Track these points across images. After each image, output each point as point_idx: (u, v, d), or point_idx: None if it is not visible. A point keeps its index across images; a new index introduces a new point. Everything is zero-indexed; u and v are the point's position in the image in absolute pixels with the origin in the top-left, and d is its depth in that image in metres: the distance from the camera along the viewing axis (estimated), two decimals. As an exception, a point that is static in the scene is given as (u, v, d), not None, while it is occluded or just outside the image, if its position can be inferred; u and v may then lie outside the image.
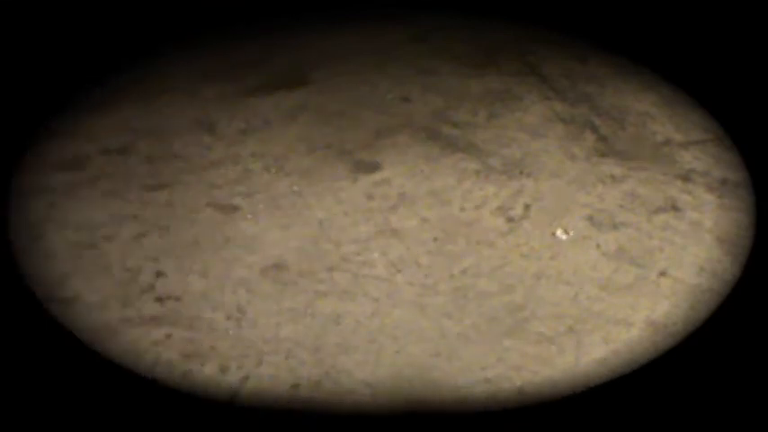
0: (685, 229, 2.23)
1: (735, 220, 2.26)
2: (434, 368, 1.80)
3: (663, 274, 2.07)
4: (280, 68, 3.20)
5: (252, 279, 2.07)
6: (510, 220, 2.28)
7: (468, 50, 3.33)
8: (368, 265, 2.12)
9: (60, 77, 3.03)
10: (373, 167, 2.53)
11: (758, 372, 1.74)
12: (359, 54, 3.30)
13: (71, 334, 1.88)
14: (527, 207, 2.33)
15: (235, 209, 2.34)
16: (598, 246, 2.17)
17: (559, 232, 2.22)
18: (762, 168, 2.44)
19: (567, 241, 2.19)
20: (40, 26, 3.23)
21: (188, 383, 1.76)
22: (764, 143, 2.51)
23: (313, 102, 2.94)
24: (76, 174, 2.51)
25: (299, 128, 2.77)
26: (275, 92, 3.00)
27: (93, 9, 3.39)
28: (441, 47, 3.37)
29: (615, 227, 2.24)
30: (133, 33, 3.42)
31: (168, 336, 1.89)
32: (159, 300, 2.00)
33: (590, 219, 2.28)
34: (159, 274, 2.09)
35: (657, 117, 2.80)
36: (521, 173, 2.49)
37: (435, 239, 2.21)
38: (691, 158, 2.55)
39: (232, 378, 1.78)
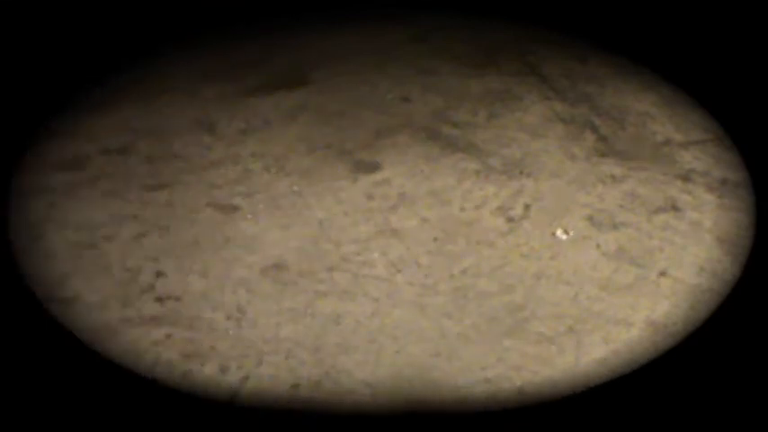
0: (685, 229, 2.23)
1: (735, 220, 2.26)
2: (434, 368, 1.80)
3: (663, 274, 2.07)
4: (280, 68, 3.20)
5: (252, 279, 2.07)
6: (510, 220, 2.28)
7: (468, 50, 3.33)
8: (368, 265, 2.12)
9: (60, 77, 3.03)
10: (373, 167, 2.53)
11: (758, 372, 1.74)
12: (359, 54, 3.30)
13: (71, 334, 1.88)
14: (527, 207, 2.33)
15: (235, 209, 2.34)
16: (598, 246, 2.17)
17: (559, 232, 2.22)
18: (762, 168, 2.44)
19: (567, 241, 2.19)
20: (40, 26, 3.23)
21: (188, 383, 1.76)
22: (764, 143, 2.51)
23: (313, 102, 2.94)
24: (76, 174, 2.51)
25: (299, 128, 2.77)
26: (275, 92, 3.00)
27: (93, 9, 3.39)
28: (441, 47, 3.37)
29: (615, 227, 2.24)
30: (133, 33, 3.42)
31: (168, 336, 1.89)
32: (159, 300, 2.00)
33: (590, 219, 2.28)
34: (159, 274, 2.09)
35: (657, 117, 2.80)
36: (521, 173, 2.49)
37: (435, 239, 2.21)
38: (691, 158, 2.55)
39: (232, 378, 1.78)
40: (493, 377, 1.77)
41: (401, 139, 2.68)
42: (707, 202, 2.34)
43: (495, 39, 3.44)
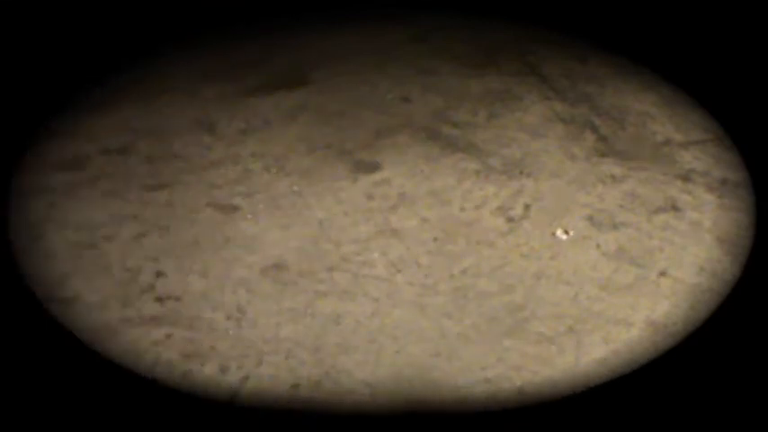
0: (685, 229, 2.23)
1: (735, 220, 2.26)
2: (434, 368, 1.80)
3: (663, 274, 2.07)
4: (280, 68, 3.20)
5: (252, 279, 2.07)
6: (510, 220, 2.28)
7: (468, 50, 3.33)
8: (368, 265, 2.12)
9: (60, 77, 3.03)
10: (373, 167, 2.53)
11: (758, 372, 1.74)
12: (359, 54, 3.30)
13: (71, 334, 1.88)
14: (527, 207, 2.33)
15: (235, 209, 2.34)
16: (598, 246, 2.17)
17: (559, 232, 2.22)
18: (762, 168, 2.44)
19: (567, 241, 2.19)
20: (41, 26, 3.23)
21: (188, 383, 1.76)
22: (764, 143, 2.51)
23: (313, 102, 2.94)
24: (76, 174, 2.51)
25: (299, 128, 2.77)
26: (275, 92, 3.00)
27: (93, 9, 3.39)
28: (441, 47, 3.37)
29: (615, 227, 2.24)
30: (133, 33, 3.42)
31: (168, 336, 1.89)
32: (159, 300, 2.00)
33: (590, 219, 2.28)
34: (159, 274, 2.09)
35: (657, 117, 2.80)
36: (521, 173, 2.49)
37: (435, 239, 2.21)
38: (691, 158, 2.55)
39: (232, 378, 1.78)
40: (493, 377, 1.77)
41: (401, 139, 2.68)
42: (707, 202, 2.34)
43: (495, 39, 3.44)
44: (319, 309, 1.97)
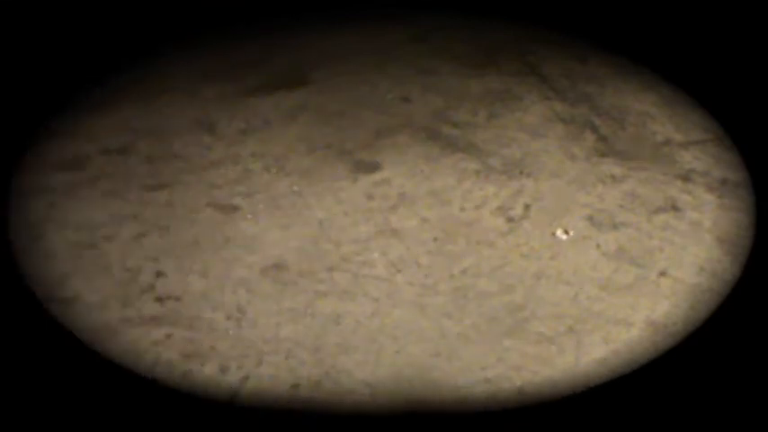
0: (685, 229, 2.23)
1: (735, 220, 2.26)
2: (434, 368, 1.80)
3: (663, 274, 2.07)
4: (280, 68, 3.20)
5: (252, 279, 2.07)
6: (510, 220, 2.28)
7: (468, 50, 3.33)
8: (368, 265, 2.12)
9: (60, 77, 3.03)
10: (373, 167, 2.53)
11: (758, 372, 1.74)
12: (359, 54, 3.30)
13: (71, 334, 1.88)
14: (527, 207, 2.33)
15: (235, 209, 2.34)
16: (598, 246, 2.17)
17: (559, 232, 2.22)
18: (762, 168, 2.44)
19: (567, 241, 2.19)
20: (41, 26, 3.23)
21: (188, 383, 1.76)
22: (764, 143, 2.51)
23: (313, 102, 2.94)
24: (76, 174, 2.51)
25: (299, 128, 2.77)
26: (275, 92, 3.00)
27: (93, 9, 3.39)
28: (441, 47, 3.37)
29: (615, 227, 2.24)
30: (133, 33, 3.42)
31: (168, 336, 1.89)
32: (159, 300, 2.00)
33: (590, 219, 2.28)
34: (159, 274, 2.09)
35: (657, 117, 2.80)
36: (521, 173, 2.49)
37: (435, 239, 2.21)
38: (691, 158, 2.55)
39: (232, 378, 1.78)
40: (493, 377, 1.77)
41: (401, 139, 2.68)
42: (707, 202, 2.34)
43: (495, 39, 3.44)
44: (319, 309, 1.97)
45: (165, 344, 1.86)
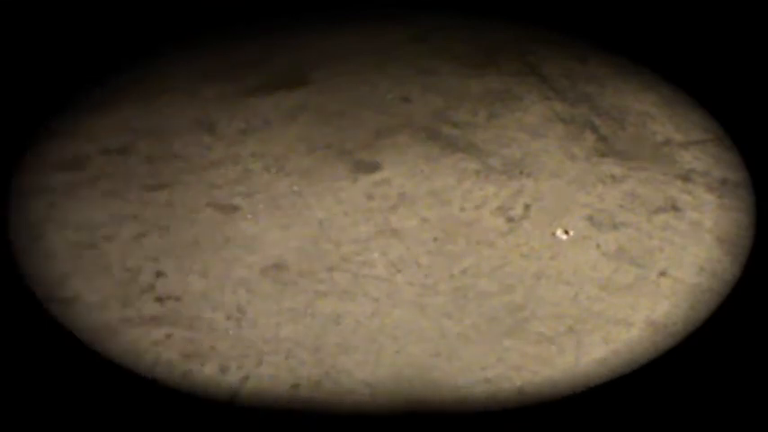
0: (685, 229, 2.23)
1: (735, 220, 2.26)
2: (434, 368, 1.80)
3: (663, 274, 2.07)
4: (280, 68, 3.20)
5: (252, 279, 2.07)
6: (510, 220, 2.28)
7: (468, 50, 3.33)
8: (368, 265, 2.12)
9: (60, 77, 3.03)
10: (373, 167, 2.53)
11: (758, 372, 1.74)
12: (359, 54, 3.30)
13: (71, 334, 1.88)
14: (527, 207, 2.33)
15: (235, 209, 2.34)
16: (598, 246, 2.17)
17: (559, 232, 2.22)
18: (762, 168, 2.44)
19: (567, 241, 2.19)
20: (41, 26, 3.23)
21: (188, 383, 1.76)
22: (764, 143, 2.51)
23: (313, 102, 2.94)
24: (76, 174, 2.51)
25: (299, 128, 2.77)
26: (275, 92, 3.00)
27: (93, 9, 3.39)
28: (441, 47, 3.37)
29: (615, 227, 2.24)
30: (133, 33, 3.42)
31: (168, 336, 1.89)
32: (159, 300, 2.00)
33: (590, 219, 2.28)
34: (159, 274, 2.09)
35: (657, 117, 2.80)
36: (521, 173, 2.49)
37: (435, 239, 2.21)
38: (691, 158, 2.55)
39: (232, 378, 1.78)
40: (493, 377, 1.77)
41: (401, 139, 2.68)
42: (707, 202, 2.34)
43: (495, 39, 3.44)
44: (319, 309, 1.97)
45: (165, 344, 1.86)
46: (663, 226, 2.24)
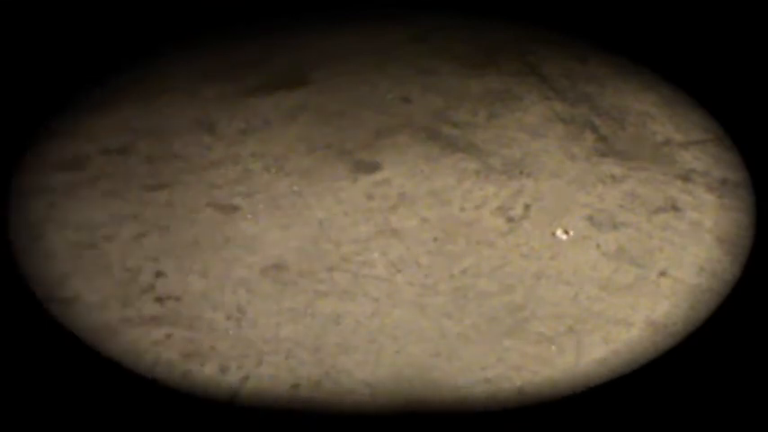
0: (685, 229, 2.23)
1: (735, 220, 2.26)
2: (434, 368, 1.80)
3: (663, 274, 2.07)
4: (280, 68, 3.20)
5: (252, 279, 2.07)
6: (510, 220, 2.28)
7: (468, 50, 3.33)
8: (368, 265, 2.12)
9: (60, 77, 3.03)
10: (373, 167, 2.53)
11: (758, 372, 1.74)
12: (359, 54, 3.30)
13: (71, 334, 1.88)
14: (527, 207, 2.33)
15: (235, 209, 2.34)
16: (598, 246, 2.17)
17: (559, 232, 2.22)
18: (762, 168, 2.44)
19: (567, 241, 2.19)
20: (41, 26, 3.23)
21: (188, 383, 1.76)
22: (764, 143, 2.51)
23: (313, 102, 2.94)
24: (76, 174, 2.51)
25: (299, 128, 2.77)
26: (275, 92, 3.00)
27: (93, 9, 3.39)
28: (441, 47, 3.37)
29: (615, 227, 2.24)
30: (133, 33, 3.42)
31: (168, 336, 1.89)
32: (159, 300, 2.00)
33: (590, 219, 2.28)
34: (159, 274, 2.09)
35: (657, 117, 2.80)
36: (521, 173, 2.49)
37: (435, 239, 2.21)
38: (691, 158, 2.55)
39: (232, 378, 1.78)
40: (493, 377, 1.77)
41: (401, 139, 2.68)
42: (707, 202, 2.34)
43: (495, 39, 3.44)
44: (319, 309, 1.97)
45: (165, 344, 1.86)
46: (663, 226, 2.24)
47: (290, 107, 2.90)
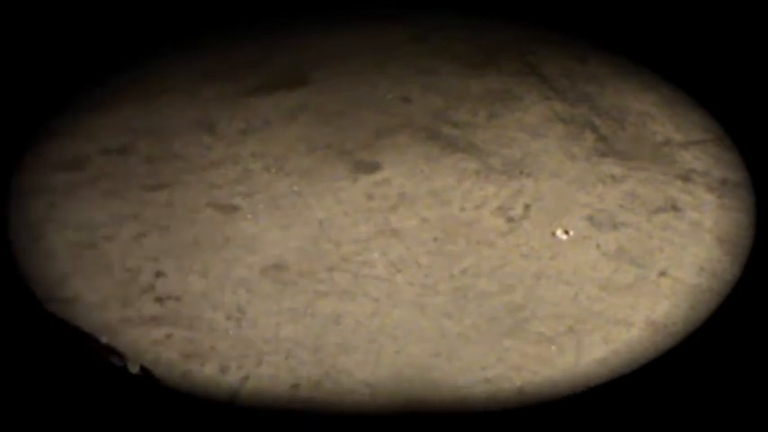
0: (685, 229, 2.23)
1: (735, 220, 2.26)
2: (434, 368, 1.80)
3: (663, 274, 2.07)
4: (280, 68, 3.20)
5: (252, 279, 2.07)
6: (510, 220, 2.28)
7: (468, 50, 3.33)
8: (368, 265, 2.12)
9: (60, 77, 3.03)
10: (373, 167, 2.53)
11: (758, 372, 1.74)
12: (359, 54, 3.30)
13: (71, 334, 1.88)
14: (527, 207, 2.33)
15: (235, 209, 2.34)
16: (598, 246, 2.17)
17: (559, 232, 2.22)
18: (762, 168, 2.44)
19: (567, 241, 2.19)
20: (41, 26, 3.23)
21: (188, 383, 1.76)
22: (764, 143, 2.51)
23: (313, 102, 2.94)
24: (76, 174, 2.51)
25: (299, 128, 2.77)
26: (275, 92, 3.00)
27: (93, 9, 3.39)
28: (441, 47, 3.37)
29: (615, 227, 2.24)
30: (133, 33, 3.42)
31: (168, 336, 1.89)
32: (159, 300, 2.00)
33: (590, 219, 2.28)
34: (159, 274, 2.09)
35: (657, 117, 2.80)
36: (521, 173, 2.49)
37: (435, 239, 2.21)
38: (691, 158, 2.55)
39: (232, 378, 1.78)
40: (493, 377, 1.77)
41: (401, 139, 2.68)
42: (707, 202, 2.34)
43: (495, 39, 3.44)
44: (319, 309, 1.97)
45: (165, 344, 1.86)
46: (663, 226, 2.24)
47: (290, 107, 2.90)
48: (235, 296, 2.01)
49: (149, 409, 1.71)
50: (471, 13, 3.72)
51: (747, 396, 1.69)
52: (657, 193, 2.39)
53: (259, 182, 2.47)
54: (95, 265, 2.12)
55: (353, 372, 1.79)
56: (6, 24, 3.13)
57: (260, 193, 2.41)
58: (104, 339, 1.75)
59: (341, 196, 2.39)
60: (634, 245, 2.17)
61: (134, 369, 1.68)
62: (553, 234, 2.22)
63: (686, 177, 2.46)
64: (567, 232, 2.22)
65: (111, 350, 1.76)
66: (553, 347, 1.84)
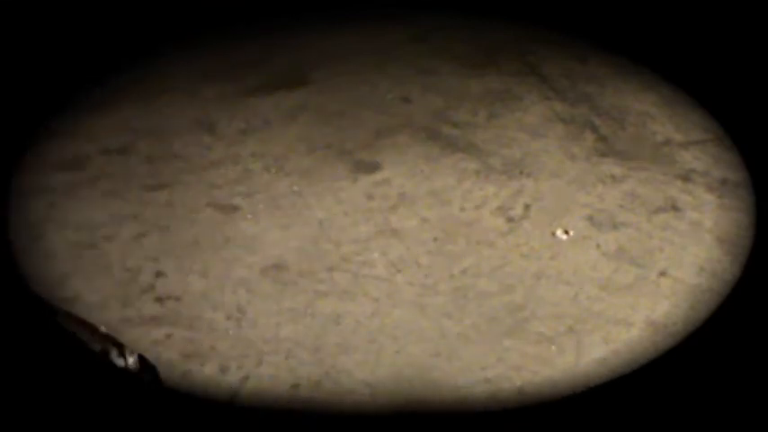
0: (685, 229, 2.23)
1: (735, 220, 2.26)
2: (434, 368, 1.80)
3: (663, 274, 2.07)
4: (280, 68, 3.20)
5: (252, 279, 2.07)
6: (510, 220, 2.28)
7: (468, 50, 3.33)
8: (368, 265, 2.12)
9: (60, 77, 3.03)
10: (373, 167, 2.53)
11: (758, 372, 1.74)
12: (359, 54, 3.30)
13: (71, 334, 1.88)
14: (527, 207, 2.33)
15: (235, 209, 2.34)
16: (598, 246, 2.17)
17: (559, 232, 2.22)
18: (762, 168, 2.44)
19: (567, 241, 2.19)
20: (41, 26, 3.23)
21: (188, 383, 1.76)
22: (764, 143, 2.51)
23: (313, 102, 2.94)
24: (76, 174, 2.51)
25: (299, 128, 2.77)
26: (275, 92, 3.00)
27: (93, 9, 3.39)
28: (441, 47, 3.37)
29: (615, 227, 2.24)
30: (133, 33, 3.42)
31: (168, 336, 1.89)
32: (159, 300, 2.00)
33: (590, 219, 2.28)
34: (159, 274, 2.09)
35: (657, 117, 2.80)
36: (521, 173, 2.49)
37: (435, 239, 2.21)
38: (691, 158, 2.55)
39: (232, 378, 1.78)
40: (493, 377, 1.77)
41: (401, 139, 2.68)
42: (707, 202, 2.34)
43: (495, 39, 3.44)
44: (319, 309, 1.97)
45: (165, 344, 1.86)
46: (663, 226, 2.24)
47: (290, 107, 2.90)
48: (235, 296, 2.01)
49: (149, 409, 1.71)
50: (471, 13, 3.72)
51: (747, 396, 1.69)
52: (657, 193, 2.39)
53: (259, 182, 2.47)
54: (95, 265, 2.12)
55: (353, 372, 1.79)
56: (6, 24, 3.13)
57: (260, 193, 2.41)
58: (103, 329, 1.75)
59: (341, 196, 2.39)
60: (634, 245, 2.17)
61: (132, 359, 1.68)
62: (553, 234, 2.22)
63: (686, 177, 2.46)
64: (566, 232, 2.22)
65: (109, 339, 1.76)
66: (553, 347, 1.84)
